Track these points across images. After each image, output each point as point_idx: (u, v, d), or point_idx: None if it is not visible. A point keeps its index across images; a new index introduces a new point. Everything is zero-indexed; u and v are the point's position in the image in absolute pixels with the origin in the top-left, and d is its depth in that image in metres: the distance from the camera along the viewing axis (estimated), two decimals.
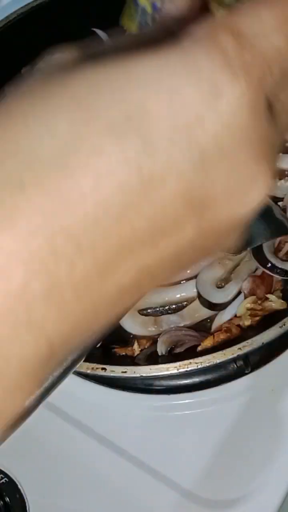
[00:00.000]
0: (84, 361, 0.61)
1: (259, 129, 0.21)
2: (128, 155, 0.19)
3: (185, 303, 0.72)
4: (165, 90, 0.19)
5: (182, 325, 0.70)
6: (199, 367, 0.62)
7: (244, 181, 0.21)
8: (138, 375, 0.63)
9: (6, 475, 0.67)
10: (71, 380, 0.62)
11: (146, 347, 0.70)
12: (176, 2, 0.25)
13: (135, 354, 0.69)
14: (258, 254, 0.69)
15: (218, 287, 0.70)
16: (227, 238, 0.23)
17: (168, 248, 0.20)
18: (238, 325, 0.68)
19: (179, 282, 0.72)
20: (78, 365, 0.61)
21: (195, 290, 0.70)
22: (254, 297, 0.68)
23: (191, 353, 0.67)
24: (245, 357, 0.69)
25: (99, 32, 0.90)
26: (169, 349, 0.69)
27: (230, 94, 0.19)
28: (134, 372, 0.63)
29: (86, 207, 0.19)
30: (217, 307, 0.69)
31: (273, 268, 0.68)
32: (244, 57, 0.20)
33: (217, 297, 0.69)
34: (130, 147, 0.19)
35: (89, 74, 0.20)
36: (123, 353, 0.70)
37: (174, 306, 0.72)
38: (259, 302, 0.68)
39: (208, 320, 0.71)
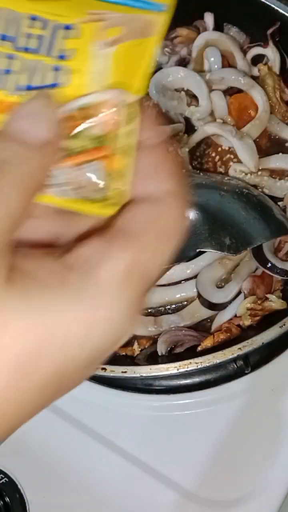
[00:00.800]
0: None
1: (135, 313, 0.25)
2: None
3: (185, 303, 0.72)
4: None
5: (182, 325, 0.70)
6: (199, 367, 0.62)
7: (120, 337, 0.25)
8: (138, 375, 0.63)
9: (6, 475, 0.67)
10: None
11: (146, 347, 0.70)
12: (38, 128, 0.25)
13: (135, 354, 0.69)
14: (258, 254, 0.69)
15: (218, 287, 0.70)
16: None
17: None
18: (238, 325, 0.68)
19: (179, 282, 0.72)
20: None
21: (195, 290, 0.70)
22: (254, 297, 0.68)
23: (191, 353, 0.67)
24: (245, 357, 0.69)
25: None
26: (169, 349, 0.69)
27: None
28: (134, 372, 0.63)
29: None
30: (217, 307, 0.69)
31: (273, 268, 0.68)
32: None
33: (217, 297, 0.69)
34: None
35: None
36: (123, 353, 0.70)
37: (174, 306, 0.72)
38: (259, 302, 0.68)
39: (208, 320, 0.71)
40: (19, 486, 0.66)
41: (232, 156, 0.80)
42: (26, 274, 0.23)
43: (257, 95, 0.82)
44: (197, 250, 0.66)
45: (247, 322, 0.68)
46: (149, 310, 0.73)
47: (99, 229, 0.26)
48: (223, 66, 0.86)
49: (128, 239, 0.25)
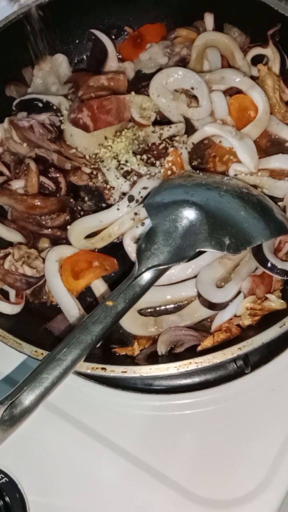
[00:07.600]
0: (84, 361, 0.61)
1: None
2: None
3: (185, 302, 0.72)
4: None
5: (182, 325, 0.70)
6: (199, 367, 0.62)
7: None
8: (138, 375, 0.63)
9: (6, 475, 0.67)
10: (71, 380, 0.62)
11: (146, 347, 0.70)
12: None
13: (135, 354, 0.69)
14: (258, 254, 0.69)
15: (218, 287, 0.70)
16: None
17: None
18: (238, 325, 0.68)
19: (179, 282, 0.72)
20: (78, 365, 0.61)
21: (195, 289, 0.70)
22: (253, 296, 0.68)
23: (191, 353, 0.67)
24: (245, 357, 0.70)
25: (98, 33, 0.90)
26: (169, 349, 0.69)
27: None
28: (134, 372, 0.63)
29: None
30: (217, 307, 0.69)
31: (273, 268, 0.68)
32: None
33: (217, 297, 0.69)
34: None
35: None
36: (123, 353, 0.70)
37: (174, 305, 0.72)
38: (258, 301, 0.68)
39: (208, 320, 0.71)
40: (19, 486, 0.67)
41: (232, 156, 0.81)
42: None
43: (257, 96, 0.82)
44: (197, 250, 0.66)
45: (246, 321, 0.68)
46: (149, 310, 0.73)
47: None
48: (223, 66, 0.86)
49: None
